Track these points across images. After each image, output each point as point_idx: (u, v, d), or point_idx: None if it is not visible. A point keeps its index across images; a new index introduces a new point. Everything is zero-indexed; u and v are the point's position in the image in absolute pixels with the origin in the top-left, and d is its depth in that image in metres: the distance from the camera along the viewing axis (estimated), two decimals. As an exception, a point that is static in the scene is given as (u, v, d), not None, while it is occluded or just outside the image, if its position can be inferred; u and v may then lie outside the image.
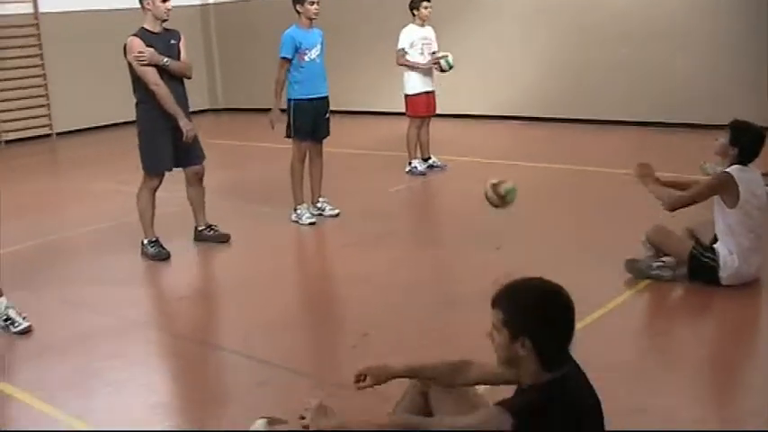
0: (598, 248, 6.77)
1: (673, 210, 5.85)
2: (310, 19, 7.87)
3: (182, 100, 7.14)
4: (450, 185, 9.68)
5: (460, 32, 13.19)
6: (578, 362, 2.95)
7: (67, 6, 14.87)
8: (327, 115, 8.17)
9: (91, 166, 12.44)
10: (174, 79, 7.11)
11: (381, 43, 13.61)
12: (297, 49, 7.86)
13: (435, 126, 10.36)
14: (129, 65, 6.98)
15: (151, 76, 6.93)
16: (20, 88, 14.63)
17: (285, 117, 8.03)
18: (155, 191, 7.30)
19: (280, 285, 6.68)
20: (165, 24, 7.11)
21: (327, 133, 8.21)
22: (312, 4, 7.82)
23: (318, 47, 7.98)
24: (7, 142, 14.48)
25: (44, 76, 14.95)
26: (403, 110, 10.19)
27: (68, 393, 4.79)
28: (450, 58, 9.75)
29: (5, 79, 14.39)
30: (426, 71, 9.88)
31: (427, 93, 9.93)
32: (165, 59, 6.97)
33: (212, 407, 4.67)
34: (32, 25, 14.75)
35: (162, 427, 4.37)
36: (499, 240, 7.02)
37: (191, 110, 7.38)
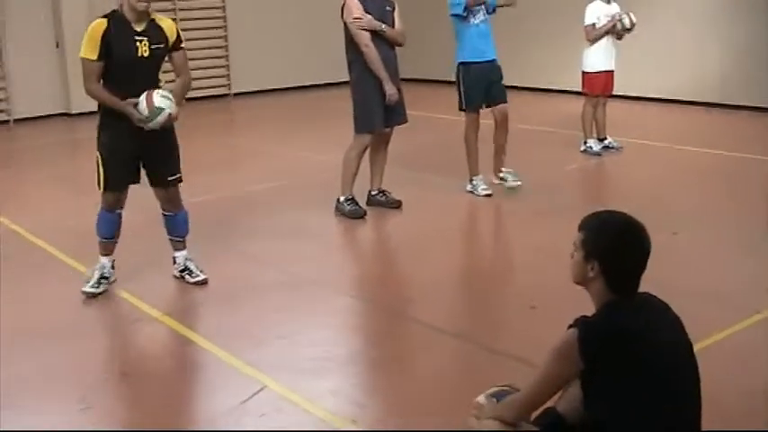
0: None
1: None
2: None
3: (390, 64, 7.32)
4: (625, 167, 9.41)
5: (644, 10, 12.76)
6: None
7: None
8: (501, 81, 8.02)
9: (266, 126, 12.76)
10: (386, 44, 7.30)
11: (558, 19, 13.40)
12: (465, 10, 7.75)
13: (612, 106, 10.09)
14: (345, 25, 7.20)
15: (363, 37, 7.16)
16: (202, 48, 15.11)
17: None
18: (364, 150, 7.46)
19: (449, 251, 6.72)
20: None
21: (504, 99, 8.00)
22: None
23: (483, 10, 7.82)
24: (187, 100, 14.92)
25: (225, 37, 15.41)
26: (578, 88, 9.95)
27: (243, 342, 4.93)
28: (632, 17, 9.44)
29: (188, 39, 14.84)
30: (608, 49, 9.59)
31: (607, 71, 9.66)
32: (382, 25, 7.18)
33: (378, 366, 4.73)
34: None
35: (324, 381, 4.45)
36: (674, 226, 6.81)
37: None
